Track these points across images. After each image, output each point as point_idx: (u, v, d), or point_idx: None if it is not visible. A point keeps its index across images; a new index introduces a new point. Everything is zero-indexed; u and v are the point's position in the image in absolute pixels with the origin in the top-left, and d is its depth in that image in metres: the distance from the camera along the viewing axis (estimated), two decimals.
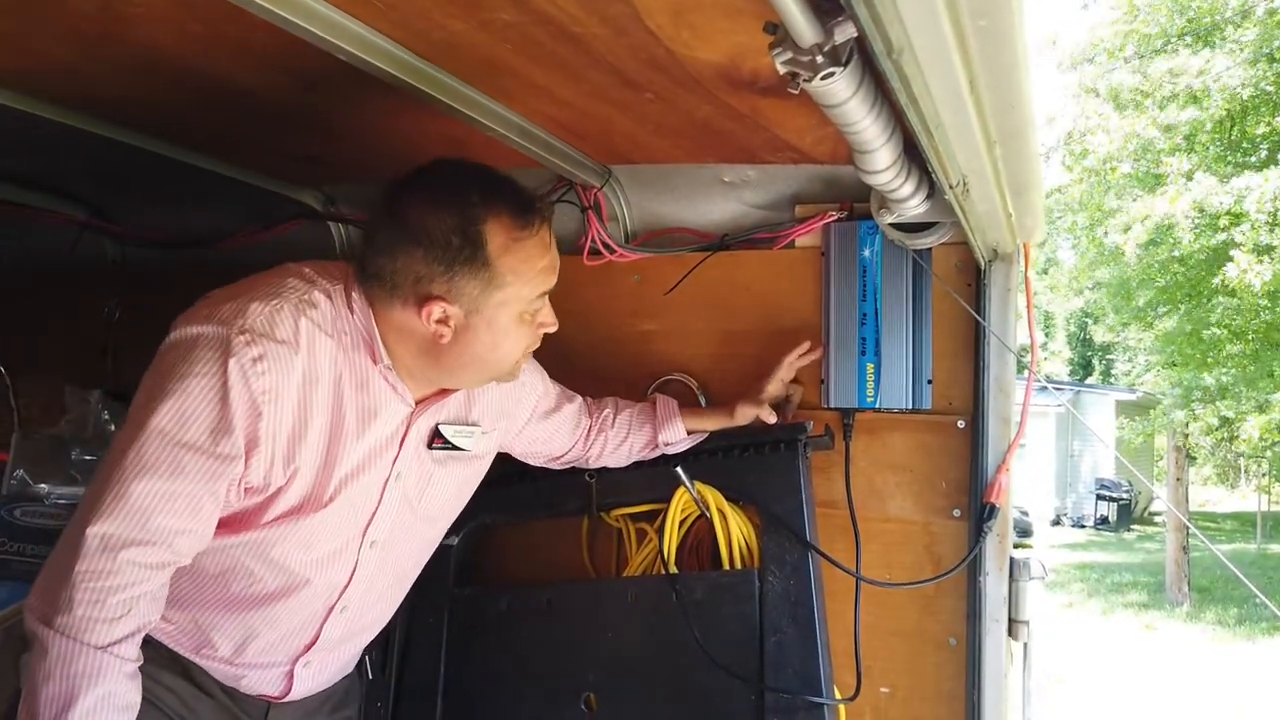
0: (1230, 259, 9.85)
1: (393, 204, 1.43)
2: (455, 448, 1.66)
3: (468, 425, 1.68)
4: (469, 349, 1.47)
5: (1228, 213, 9.92)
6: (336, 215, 2.49)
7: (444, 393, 1.60)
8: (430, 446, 1.62)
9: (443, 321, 1.44)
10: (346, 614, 1.63)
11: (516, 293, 1.45)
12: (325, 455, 1.46)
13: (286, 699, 1.66)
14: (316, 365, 1.42)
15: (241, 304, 1.38)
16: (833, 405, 2.08)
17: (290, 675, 1.63)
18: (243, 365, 1.33)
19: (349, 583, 1.59)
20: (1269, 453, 15.70)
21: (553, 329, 1.58)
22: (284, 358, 1.37)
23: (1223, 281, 9.86)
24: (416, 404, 1.57)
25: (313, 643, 1.62)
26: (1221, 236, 10.06)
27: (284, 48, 1.38)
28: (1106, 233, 12.39)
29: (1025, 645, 1.93)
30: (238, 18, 1.23)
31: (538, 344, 1.59)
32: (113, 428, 2.39)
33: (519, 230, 1.44)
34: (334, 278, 1.49)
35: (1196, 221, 10.22)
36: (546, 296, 1.54)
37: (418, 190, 1.43)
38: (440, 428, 1.63)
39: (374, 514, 1.56)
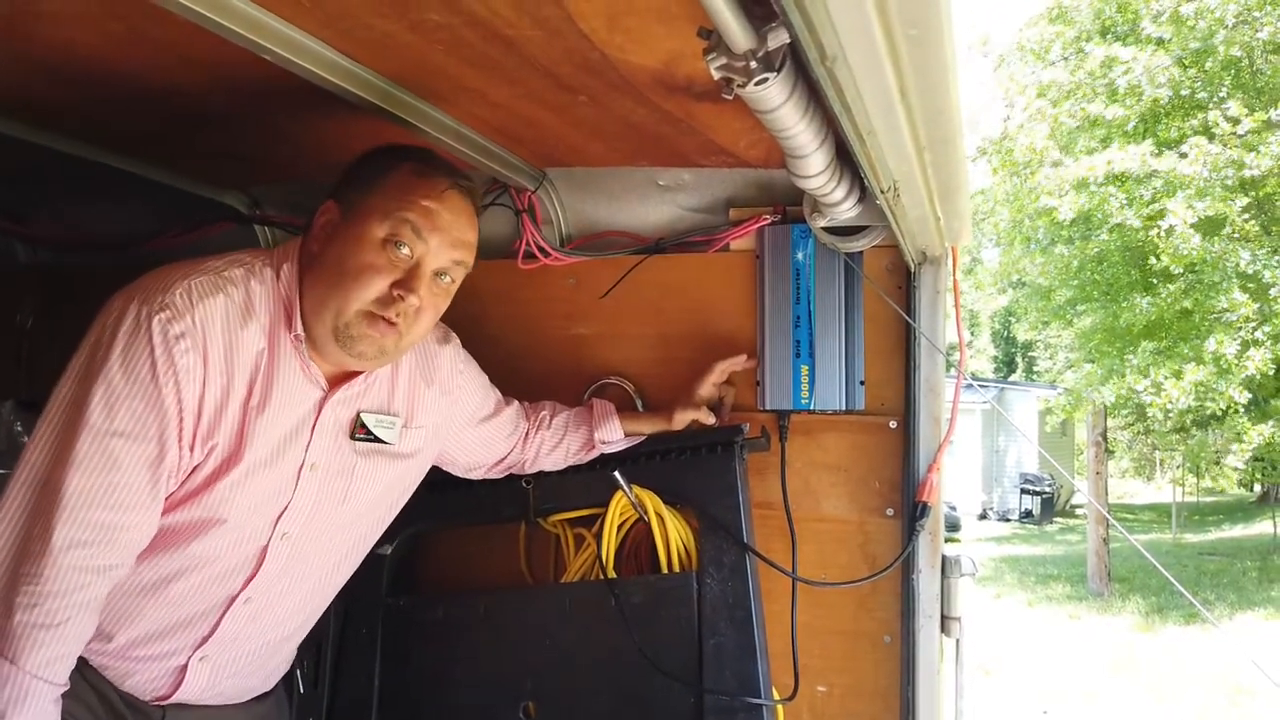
0: (1155, 253, 10.23)
1: None
2: (377, 439, 1.63)
3: (389, 415, 1.66)
4: (325, 257, 1.47)
5: (1161, 185, 10.24)
6: (262, 218, 2.42)
7: (350, 375, 1.57)
8: (354, 437, 1.60)
9: (324, 226, 1.49)
10: (250, 607, 1.56)
11: (384, 204, 1.46)
12: (240, 432, 1.44)
13: (176, 698, 1.56)
14: (236, 341, 1.41)
15: (164, 283, 1.37)
16: (768, 407, 2.09)
17: (184, 669, 1.55)
18: (168, 343, 1.33)
19: (255, 573, 1.53)
20: (1182, 446, 16.32)
21: (411, 299, 1.45)
22: (206, 333, 1.37)
23: (1156, 239, 10.10)
24: (330, 387, 1.54)
25: (211, 633, 1.54)
26: (1153, 208, 10.36)
27: (206, 47, 1.34)
28: (1030, 235, 12.74)
29: (958, 641, 1.97)
30: (158, 16, 1.19)
31: (389, 311, 1.45)
32: (26, 439, 2.29)
33: (423, 167, 1.51)
34: (261, 257, 1.50)
35: (1123, 198, 10.53)
36: (422, 260, 1.47)
37: (371, 150, 1.56)
38: (362, 416, 1.60)
39: (288, 504, 1.52)
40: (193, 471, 1.42)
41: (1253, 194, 10.17)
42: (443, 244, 1.49)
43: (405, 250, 1.46)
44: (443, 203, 1.49)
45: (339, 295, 1.45)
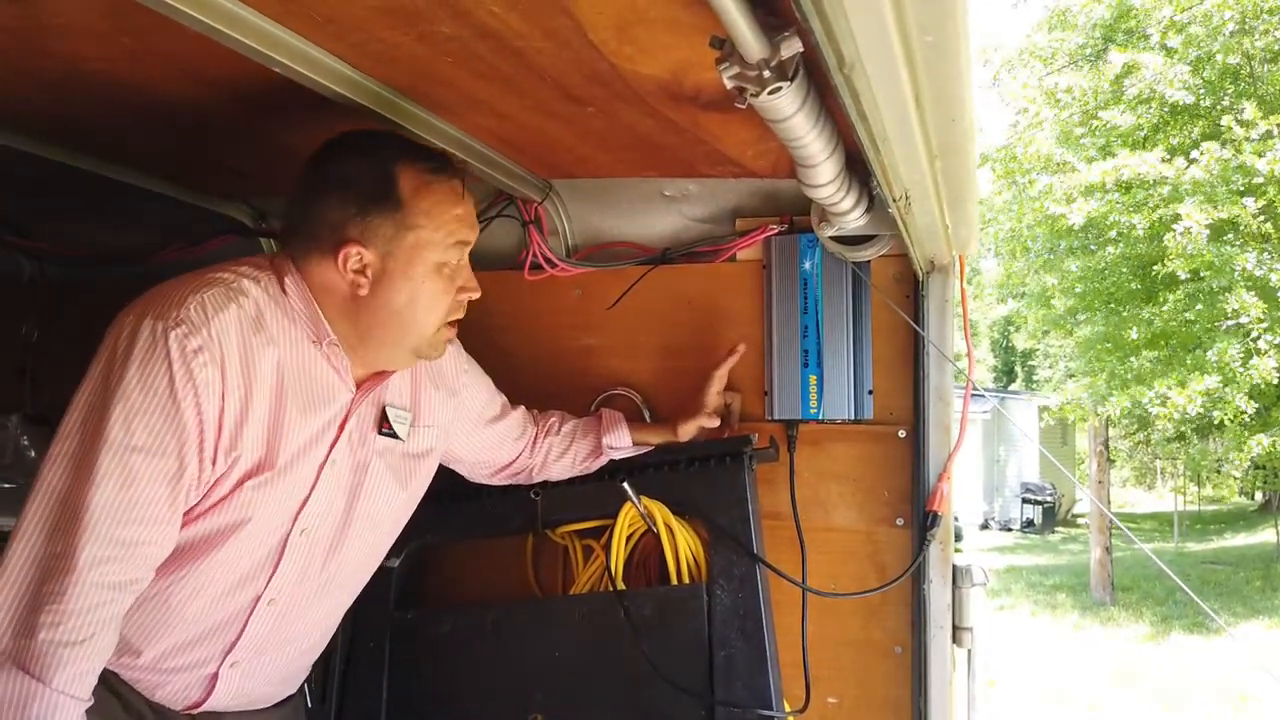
0: (1162, 258, 10.25)
1: (312, 160, 1.50)
2: (395, 435, 1.65)
3: (404, 410, 1.68)
4: (387, 303, 1.47)
5: (1168, 192, 10.25)
6: (268, 231, 2.42)
7: (381, 375, 1.59)
8: (381, 432, 1.62)
9: (360, 271, 1.46)
10: (274, 609, 1.57)
11: (430, 237, 1.47)
12: (266, 440, 1.44)
13: (207, 705, 1.58)
14: (252, 352, 1.41)
15: (176, 297, 1.36)
16: (776, 417, 2.09)
17: (215, 677, 1.56)
18: (185, 358, 1.32)
19: (275, 571, 1.54)
20: (1183, 454, 16.29)
21: (475, 295, 1.57)
22: (223, 346, 1.36)
23: (1168, 242, 10.07)
24: (358, 388, 1.56)
25: (238, 638, 1.55)
26: (1162, 213, 10.34)
27: (217, 60, 1.34)
28: (1029, 245, 12.74)
29: (969, 652, 1.95)
30: (169, 30, 1.19)
31: (460, 313, 1.57)
32: (33, 454, 2.28)
33: (430, 175, 1.48)
34: (259, 266, 1.50)
35: (1127, 202, 10.52)
36: (466, 257, 1.55)
37: (335, 146, 1.49)
38: (387, 410, 1.63)
39: (306, 499, 1.52)
40: (216, 482, 1.41)
41: (1261, 199, 10.14)
42: (475, 232, 1.56)
43: (458, 259, 1.52)
44: (462, 199, 1.52)
45: (418, 328, 1.52)
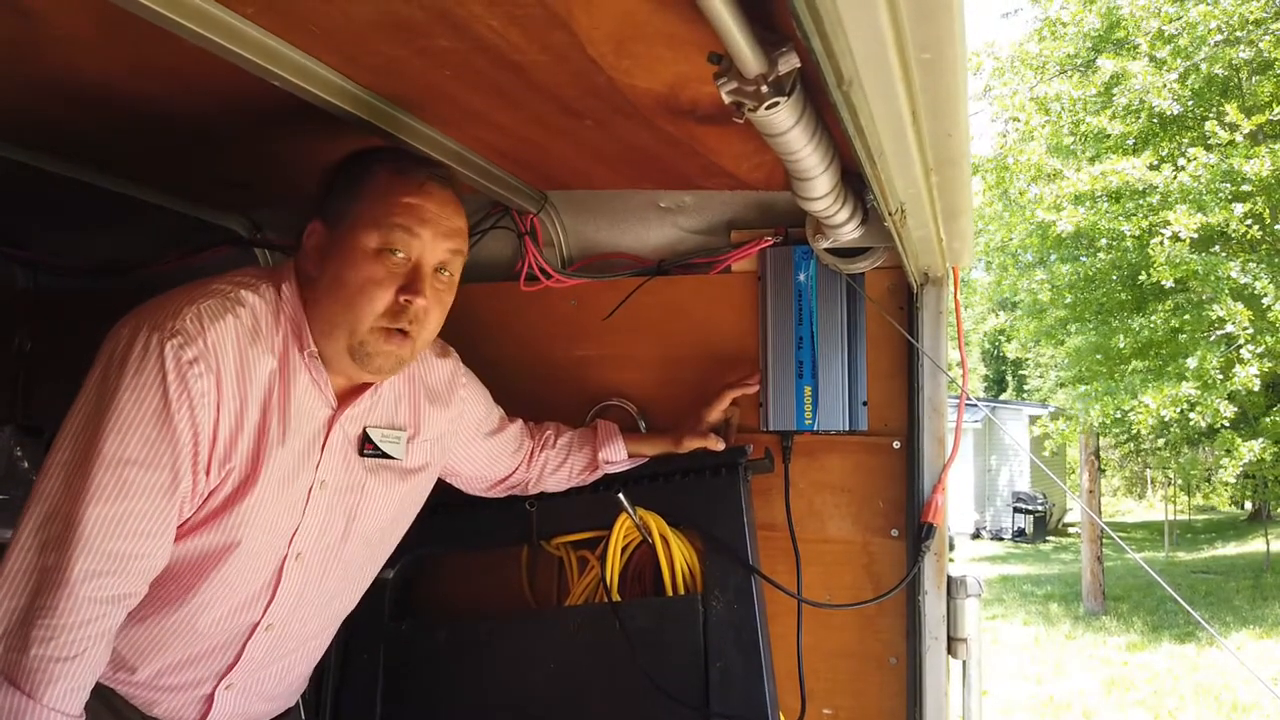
0: (1149, 266, 10.32)
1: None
2: (385, 454, 1.63)
3: (395, 430, 1.65)
4: (325, 279, 1.45)
5: (1157, 200, 10.33)
6: (264, 241, 2.42)
7: (363, 389, 1.57)
8: (362, 453, 1.60)
9: (316, 248, 1.47)
10: (271, 634, 1.56)
11: (371, 211, 1.44)
12: (255, 455, 1.43)
13: None
14: (249, 363, 1.41)
15: (172, 308, 1.36)
16: (771, 428, 2.09)
17: (211, 699, 1.55)
18: (180, 368, 1.32)
19: (273, 599, 1.53)
20: (1174, 464, 16.36)
21: (419, 301, 1.45)
22: (219, 356, 1.36)
23: (1155, 249, 10.11)
24: (339, 403, 1.54)
25: (235, 662, 1.54)
26: (1151, 220, 10.41)
27: (216, 73, 1.34)
28: (1019, 256, 12.81)
29: (965, 663, 1.95)
30: (168, 43, 1.19)
31: (403, 322, 1.45)
32: (26, 464, 2.28)
33: (404, 168, 1.48)
34: (262, 277, 1.49)
35: (1116, 211, 10.59)
36: (421, 261, 1.46)
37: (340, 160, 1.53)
38: (369, 431, 1.60)
39: (299, 524, 1.52)
40: (210, 495, 1.41)
41: (1248, 204, 10.20)
42: (435, 236, 1.47)
43: (401, 254, 1.45)
44: (425, 196, 1.47)
45: (349, 315, 1.44)
